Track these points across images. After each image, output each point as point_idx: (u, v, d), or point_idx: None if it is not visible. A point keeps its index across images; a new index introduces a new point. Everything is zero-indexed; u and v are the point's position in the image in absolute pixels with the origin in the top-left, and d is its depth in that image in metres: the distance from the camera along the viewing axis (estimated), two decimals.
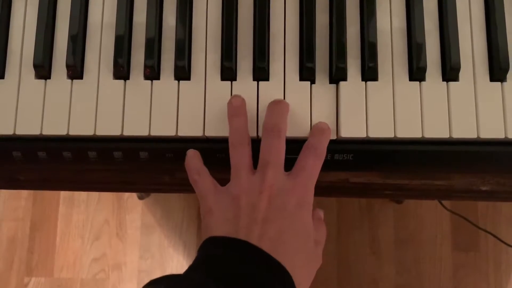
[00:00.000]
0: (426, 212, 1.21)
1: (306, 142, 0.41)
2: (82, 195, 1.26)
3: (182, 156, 0.43)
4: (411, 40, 0.43)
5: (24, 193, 1.26)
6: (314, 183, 0.41)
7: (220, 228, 0.39)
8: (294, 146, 0.41)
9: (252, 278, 0.35)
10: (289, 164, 0.41)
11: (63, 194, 1.26)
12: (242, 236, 0.37)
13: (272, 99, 0.42)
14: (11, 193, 1.26)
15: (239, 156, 0.40)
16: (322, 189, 0.46)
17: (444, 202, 1.12)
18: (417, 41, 0.42)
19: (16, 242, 1.24)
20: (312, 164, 0.40)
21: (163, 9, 0.44)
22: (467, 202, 1.20)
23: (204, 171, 0.42)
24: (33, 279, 1.22)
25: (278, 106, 0.41)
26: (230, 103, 0.41)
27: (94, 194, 1.26)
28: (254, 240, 0.37)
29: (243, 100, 0.42)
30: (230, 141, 0.41)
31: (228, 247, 0.37)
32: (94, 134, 0.42)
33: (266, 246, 0.36)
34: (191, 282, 0.34)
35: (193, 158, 0.42)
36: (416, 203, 1.22)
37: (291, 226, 0.38)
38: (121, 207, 1.25)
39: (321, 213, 0.44)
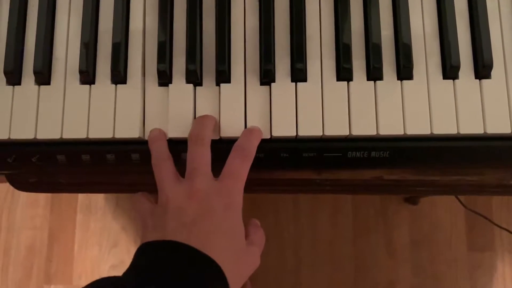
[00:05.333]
0: (441, 213, 1.22)
1: (235, 142, 0.42)
2: (99, 202, 1.27)
3: None
4: (443, 39, 0.44)
5: (42, 201, 1.27)
6: (243, 185, 0.41)
7: (151, 235, 0.40)
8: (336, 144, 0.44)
9: (179, 271, 0.35)
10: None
11: (80, 202, 1.27)
12: (170, 237, 0.38)
13: (310, 98, 0.44)
14: (29, 202, 1.27)
15: (160, 171, 0.42)
16: (357, 187, 0.47)
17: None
18: (449, 40, 0.43)
19: (34, 250, 1.25)
20: (239, 166, 0.41)
21: (202, 14, 0.46)
22: (481, 203, 1.21)
23: (143, 197, 0.44)
24: (52, 286, 1.23)
25: (202, 119, 0.43)
26: (149, 136, 0.44)
27: (111, 202, 1.27)
28: (181, 240, 0.37)
29: (159, 130, 0.44)
30: (152, 162, 0.43)
31: (157, 248, 0.38)
32: (139, 137, 0.44)
33: (193, 243, 0.37)
34: (114, 282, 0.36)
35: (139, 201, 0.44)
36: (431, 205, 1.23)
37: (219, 226, 0.39)
38: None
39: (256, 221, 0.45)
